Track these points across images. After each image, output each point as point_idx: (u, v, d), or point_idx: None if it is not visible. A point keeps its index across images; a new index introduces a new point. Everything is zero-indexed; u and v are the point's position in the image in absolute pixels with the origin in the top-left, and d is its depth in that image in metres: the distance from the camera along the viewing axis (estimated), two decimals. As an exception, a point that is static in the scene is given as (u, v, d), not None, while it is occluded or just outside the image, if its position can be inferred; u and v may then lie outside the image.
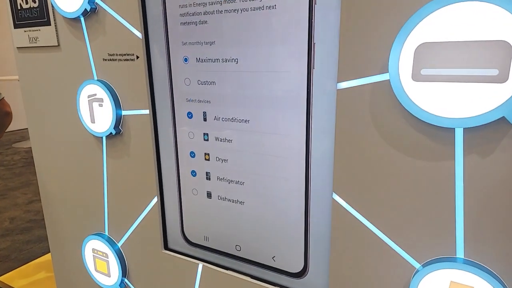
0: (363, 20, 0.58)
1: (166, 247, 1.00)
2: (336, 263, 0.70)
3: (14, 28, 1.13)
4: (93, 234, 1.12)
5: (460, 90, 0.52)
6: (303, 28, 0.65)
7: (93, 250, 1.13)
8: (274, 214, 0.79)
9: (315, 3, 0.64)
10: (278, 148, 0.75)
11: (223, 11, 0.74)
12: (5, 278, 1.74)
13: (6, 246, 2.31)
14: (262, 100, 0.74)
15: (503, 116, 0.49)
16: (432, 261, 0.60)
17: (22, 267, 1.81)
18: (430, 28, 0.52)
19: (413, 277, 0.61)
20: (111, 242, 1.09)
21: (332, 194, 0.68)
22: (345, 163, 0.65)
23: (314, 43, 0.66)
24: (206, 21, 0.76)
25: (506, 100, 0.49)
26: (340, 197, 0.67)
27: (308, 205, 0.74)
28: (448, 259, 0.58)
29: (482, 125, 0.52)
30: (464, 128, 0.54)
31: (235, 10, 0.72)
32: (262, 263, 0.84)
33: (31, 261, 1.97)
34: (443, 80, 0.52)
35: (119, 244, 1.09)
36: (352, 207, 0.66)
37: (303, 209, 0.75)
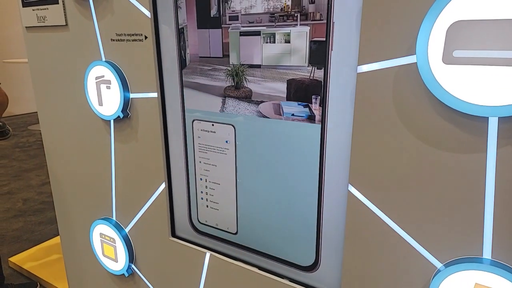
0: (389, -4, 0.53)
1: (173, 234, 0.98)
2: (350, 258, 0.66)
3: (23, 6, 1.10)
4: (100, 219, 1.11)
5: (497, 74, 0.46)
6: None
7: (101, 234, 1.12)
8: (286, 204, 0.75)
9: (336, -22, 0.58)
10: (292, 136, 0.70)
11: (236, -13, 0.69)
12: (16, 259, 1.76)
13: (19, 227, 2.35)
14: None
15: (546, 105, 0.44)
16: (456, 261, 0.55)
17: (33, 248, 1.84)
18: (465, 4, 0.46)
19: (433, 277, 0.57)
20: (118, 228, 1.07)
21: (348, 186, 0.64)
22: (363, 154, 0.60)
23: (333, 22, 0.61)
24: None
25: (551, 87, 0.43)
26: (357, 189, 0.63)
27: (321, 196, 0.70)
28: (474, 260, 0.54)
29: (520, 114, 0.46)
30: (499, 118, 0.49)
31: (248, -14, 0.67)
32: (271, 254, 0.80)
33: (42, 242, 2.00)
34: (478, 64, 0.47)
35: (127, 230, 1.07)
36: (370, 200, 0.62)
37: (316, 200, 0.71)
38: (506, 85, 0.46)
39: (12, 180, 3.06)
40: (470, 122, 0.50)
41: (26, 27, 1.11)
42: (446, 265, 0.56)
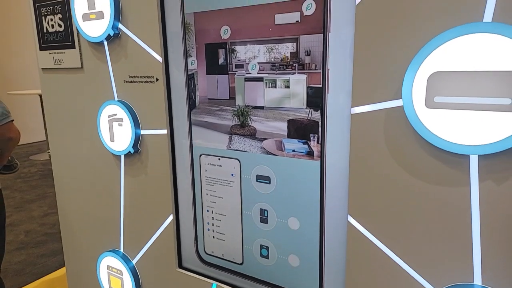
0: (377, 47, 0.60)
1: (180, 265, 1.01)
2: (352, 286, 0.70)
3: (40, 50, 1.18)
4: (108, 251, 1.14)
5: (473, 117, 0.53)
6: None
7: (108, 267, 1.15)
8: (290, 234, 0.80)
9: (330, 31, 0.66)
10: (293, 170, 0.76)
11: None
12: (19, 294, 1.75)
13: (21, 259, 2.35)
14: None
15: (517, 145, 0.50)
16: (450, 287, 0.60)
17: (36, 282, 1.83)
18: (443, 58, 0.54)
19: (429, 303, 0.61)
20: (126, 259, 1.10)
21: (347, 217, 0.69)
22: (360, 187, 0.66)
23: (328, 69, 0.68)
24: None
25: (520, 129, 0.49)
26: (356, 220, 0.68)
27: (323, 227, 0.75)
28: (466, 286, 0.58)
29: (497, 152, 0.52)
30: (478, 155, 0.55)
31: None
32: (276, 284, 0.84)
33: (45, 275, 2.00)
34: (456, 108, 0.54)
35: (134, 262, 1.10)
36: (368, 230, 0.66)
37: (317, 231, 0.75)
38: (482, 126, 0.52)
39: (14, 211, 3.08)
40: (454, 159, 0.56)
41: (42, 68, 1.19)
42: (441, 291, 0.60)
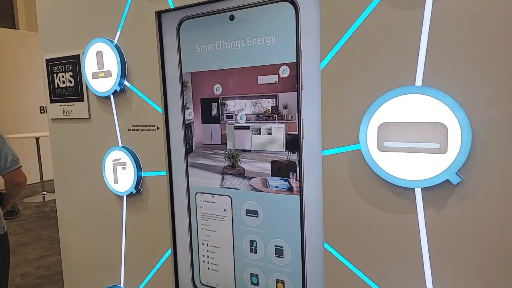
0: (338, 103, 0.75)
1: (178, 296, 1.10)
2: (329, 305, 0.81)
3: (50, 102, 1.33)
4: (109, 286, 1.22)
5: (414, 158, 0.67)
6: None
7: (109, 301, 1.22)
8: (276, 263, 0.91)
9: (302, 89, 0.82)
10: (277, 204, 0.89)
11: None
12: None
13: (16, 303, 2.34)
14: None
15: (447, 179, 0.64)
16: (408, 300, 0.71)
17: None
18: (388, 112, 0.69)
19: (393, 315, 0.72)
20: (126, 293, 1.18)
21: (323, 243, 0.80)
22: (332, 217, 0.78)
23: (302, 119, 0.83)
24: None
25: (448, 167, 0.64)
26: (330, 245, 0.79)
27: (304, 253, 0.86)
28: (421, 298, 0.69)
29: (434, 185, 0.66)
30: (421, 188, 0.68)
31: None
32: (265, 308, 0.93)
33: (41, 317, 1.99)
34: (401, 151, 0.68)
35: (134, 295, 1.18)
36: (340, 254, 0.78)
37: (300, 256, 0.87)
38: (421, 165, 0.66)
39: (7, 255, 3.07)
40: (403, 192, 0.70)
41: (52, 118, 1.33)
42: (402, 305, 0.71)
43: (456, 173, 0.64)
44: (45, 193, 4.91)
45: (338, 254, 0.79)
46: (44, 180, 4.91)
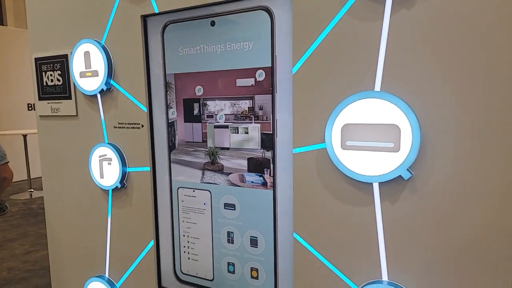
0: (307, 105, 0.82)
1: (159, 285, 1.16)
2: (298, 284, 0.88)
3: (39, 100, 1.37)
4: (94, 277, 1.27)
5: (372, 156, 0.74)
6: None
7: (94, 291, 1.27)
8: (251, 252, 0.97)
9: (276, 92, 0.89)
10: (253, 197, 0.95)
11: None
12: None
13: (2, 297, 2.36)
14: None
15: (400, 175, 0.72)
16: (366, 284, 0.78)
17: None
18: (350, 114, 0.76)
19: (353, 298, 0.79)
20: (110, 283, 1.24)
21: (293, 233, 0.87)
22: (301, 209, 0.86)
23: (276, 120, 0.89)
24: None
25: (400, 164, 0.71)
26: (299, 235, 0.87)
27: (276, 243, 0.93)
28: (377, 282, 0.77)
29: (389, 180, 0.73)
30: (379, 183, 0.76)
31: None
32: (241, 295, 1.00)
33: (27, 311, 2.02)
34: (361, 149, 0.75)
35: (118, 285, 1.23)
36: (308, 243, 0.85)
37: (273, 247, 0.94)
38: (378, 162, 0.74)
39: (-6, 250, 3.08)
40: (363, 186, 0.77)
41: (40, 115, 1.37)
42: (361, 288, 0.79)
43: (407, 169, 0.71)
44: (32, 190, 4.89)
45: (306, 243, 0.86)
46: (31, 177, 4.89)
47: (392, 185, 0.74)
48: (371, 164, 0.75)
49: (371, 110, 0.74)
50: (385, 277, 0.77)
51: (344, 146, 0.77)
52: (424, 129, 0.71)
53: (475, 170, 0.68)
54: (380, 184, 0.76)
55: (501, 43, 0.64)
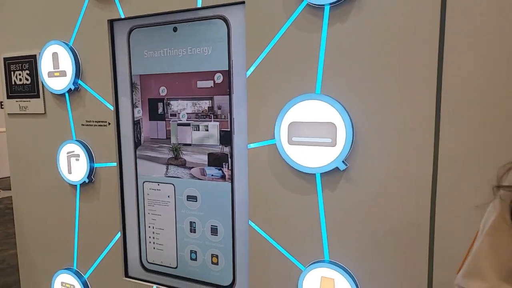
0: (259, 105, 0.92)
1: (126, 275, 1.22)
2: (253, 273, 0.97)
3: (7, 98, 1.40)
4: (62, 269, 1.31)
5: (314, 150, 0.85)
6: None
7: (62, 283, 1.32)
8: (211, 239, 1.06)
9: (233, 93, 0.98)
10: (213, 189, 1.04)
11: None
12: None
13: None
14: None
15: (337, 166, 0.83)
16: (311, 264, 0.89)
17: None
18: (295, 113, 0.86)
19: (300, 275, 0.90)
20: (78, 275, 1.29)
21: (248, 221, 0.97)
22: (255, 198, 0.95)
23: (233, 118, 0.99)
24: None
25: (336, 157, 0.82)
26: (253, 222, 0.96)
27: (234, 231, 1.02)
28: (320, 261, 0.88)
29: (328, 171, 0.84)
30: (320, 173, 0.86)
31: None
32: (201, 280, 1.09)
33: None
34: (305, 144, 0.86)
35: (86, 276, 1.28)
36: (261, 229, 0.95)
37: (231, 234, 1.03)
38: (319, 156, 0.84)
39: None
40: (307, 177, 0.88)
41: (8, 113, 1.40)
42: (307, 267, 0.89)
43: (343, 161, 0.82)
44: (-1, 190, 4.73)
45: (260, 229, 0.95)
46: (-2, 177, 4.73)
47: (331, 175, 0.85)
48: (313, 157, 0.85)
49: (312, 110, 0.84)
50: (326, 258, 0.88)
51: (291, 142, 0.87)
52: (356, 126, 0.82)
53: (401, 162, 0.80)
54: (322, 175, 0.86)
55: (417, 50, 0.76)
